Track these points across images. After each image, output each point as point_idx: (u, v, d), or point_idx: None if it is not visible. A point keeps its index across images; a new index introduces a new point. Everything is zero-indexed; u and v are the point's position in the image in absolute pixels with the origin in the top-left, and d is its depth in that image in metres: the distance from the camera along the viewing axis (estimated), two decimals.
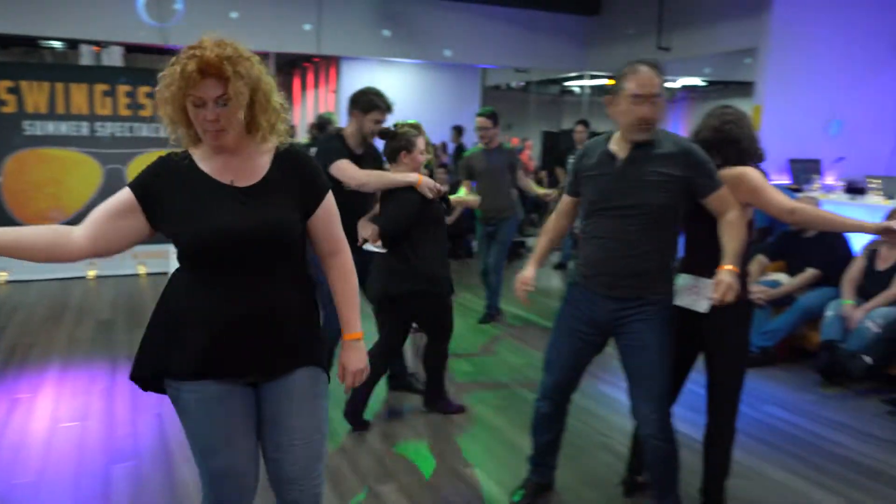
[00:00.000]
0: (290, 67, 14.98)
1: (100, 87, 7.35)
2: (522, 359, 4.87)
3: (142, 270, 7.30)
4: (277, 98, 1.77)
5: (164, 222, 1.74)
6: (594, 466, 3.29)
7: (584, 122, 7.79)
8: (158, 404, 3.77)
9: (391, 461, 3.32)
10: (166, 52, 8.10)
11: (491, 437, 3.61)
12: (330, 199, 1.88)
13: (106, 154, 7.38)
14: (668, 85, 16.51)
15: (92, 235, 1.71)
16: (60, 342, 4.98)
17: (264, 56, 9.22)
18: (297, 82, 15.13)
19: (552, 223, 2.86)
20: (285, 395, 1.84)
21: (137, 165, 7.44)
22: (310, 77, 14.33)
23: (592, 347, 2.68)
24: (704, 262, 2.56)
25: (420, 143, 3.56)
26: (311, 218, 1.84)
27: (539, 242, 2.91)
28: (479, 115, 5.55)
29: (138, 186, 1.75)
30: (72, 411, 3.80)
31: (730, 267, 2.41)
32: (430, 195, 3.44)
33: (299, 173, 1.82)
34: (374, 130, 3.69)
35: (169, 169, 1.76)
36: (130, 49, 7.70)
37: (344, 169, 3.54)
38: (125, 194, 1.74)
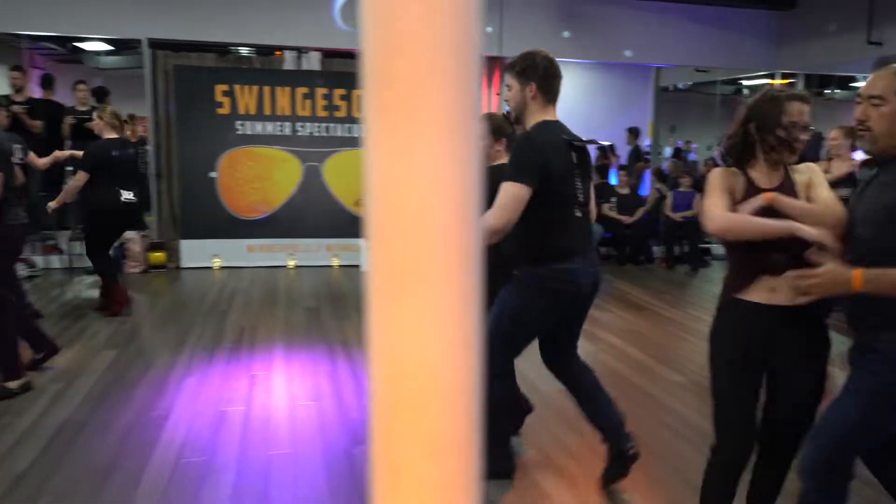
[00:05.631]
0: None
1: (300, 90, 7.86)
2: None
3: (335, 262, 7.73)
4: None
5: None
6: None
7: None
8: None
9: None
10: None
11: None
12: None
13: (305, 152, 7.88)
14: None
15: None
16: (278, 326, 5.38)
17: None
18: None
19: None
20: None
21: (333, 164, 7.91)
22: None
23: None
24: None
25: None
26: None
27: None
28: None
29: None
30: (305, 391, 4.08)
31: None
32: None
33: None
34: None
35: None
36: (327, 54, 8.14)
37: None
38: None
